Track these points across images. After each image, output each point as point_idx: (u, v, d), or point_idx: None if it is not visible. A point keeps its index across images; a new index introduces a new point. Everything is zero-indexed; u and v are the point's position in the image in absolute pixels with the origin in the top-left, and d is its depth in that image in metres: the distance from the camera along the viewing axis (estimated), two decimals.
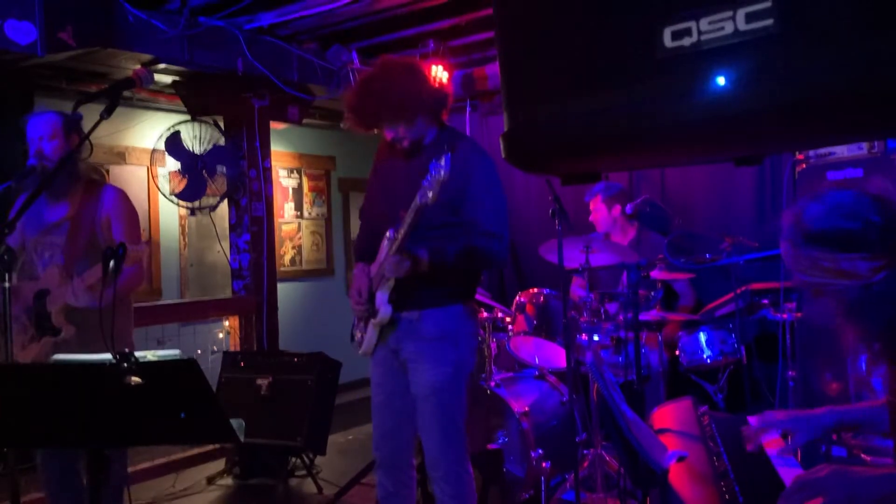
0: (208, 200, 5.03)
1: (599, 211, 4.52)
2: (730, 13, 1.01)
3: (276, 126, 5.41)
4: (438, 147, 2.66)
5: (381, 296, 2.75)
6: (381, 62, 2.76)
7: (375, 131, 2.79)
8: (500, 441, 3.70)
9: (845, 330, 1.56)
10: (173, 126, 4.98)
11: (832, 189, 1.55)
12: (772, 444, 1.93)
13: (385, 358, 2.85)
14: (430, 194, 2.40)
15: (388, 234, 2.73)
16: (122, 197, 3.07)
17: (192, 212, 5.17)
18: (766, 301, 3.90)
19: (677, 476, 1.76)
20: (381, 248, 2.78)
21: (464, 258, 2.68)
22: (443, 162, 2.38)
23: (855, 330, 1.54)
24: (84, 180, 3.06)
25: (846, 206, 1.49)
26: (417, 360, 2.75)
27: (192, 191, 4.94)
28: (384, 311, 2.74)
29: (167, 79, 4.79)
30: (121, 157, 5.84)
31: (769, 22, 0.99)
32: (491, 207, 2.72)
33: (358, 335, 2.91)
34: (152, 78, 2.60)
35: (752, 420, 1.96)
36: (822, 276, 1.49)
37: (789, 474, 1.78)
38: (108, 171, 5.72)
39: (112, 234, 3.00)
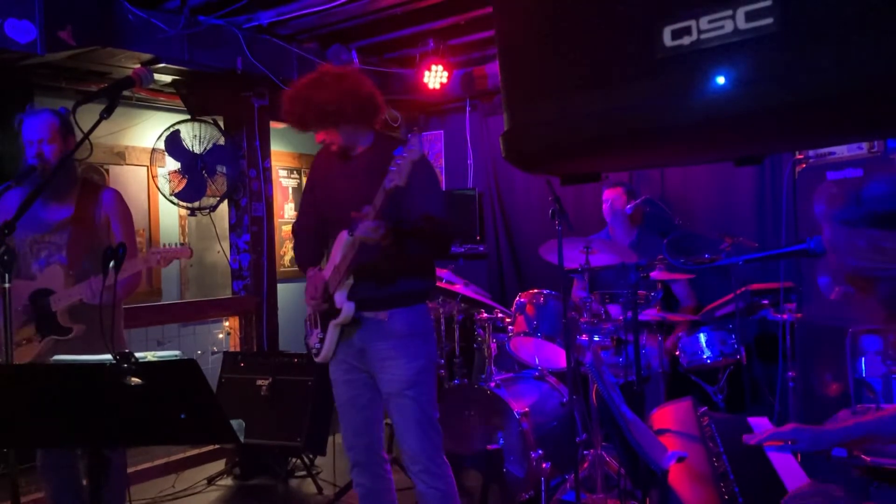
0: (208, 201, 5.03)
1: (619, 200, 4.52)
2: (730, 12, 1.01)
3: (275, 126, 5.41)
4: (380, 148, 2.77)
5: (341, 295, 2.78)
6: (318, 70, 2.84)
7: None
8: (500, 441, 3.70)
9: (890, 324, 1.51)
10: (173, 125, 4.97)
11: (889, 172, 1.51)
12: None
13: (347, 356, 2.88)
14: (401, 177, 2.46)
15: (342, 234, 2.76)
16: (121, 199, 3.13)
17: (192, 212, 5.17)
18: (766, 301, 3.90)
19: (677, 476, 1.76)
20: (333, 249, 2.82)
21: (424, 233, 2.71)
22: (413, 144, 2.46)
23: None
24: (80, 181, 3.09)
25: None
26: (389, 358, 2.78)
27: (191, 191, 4.94)
28: (346, 309, 2.76)
29: (167, 78, 4.79)
30: (120, 156, 5.84)
31: (769, 21, 0.98)
32: (438, 196, 2.83)
33: (315, 342, 2.91)
34: (152, 77, 2.60)
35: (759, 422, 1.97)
36: (877, 259, 1.43)
37: (786, 471, 1.78)
38: (107, 171, 5.73)
39: (111, 234, 3.05)
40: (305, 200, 3.08)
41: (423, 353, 2.81)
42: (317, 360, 2.92)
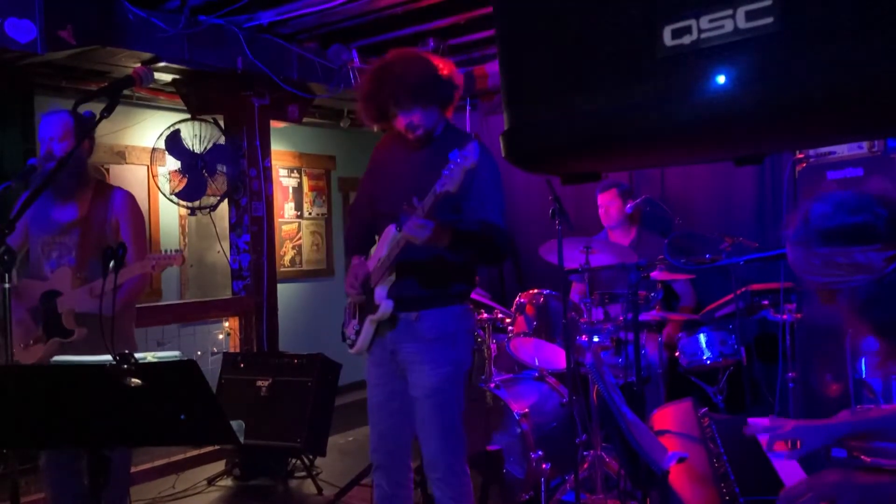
0: (208, 200, 5.03)
1: (614, 204, 4.51)
2: (730, 11, 1.01)
3: (276, 125, 5.41)
4: (447, 141, 2.64)
5: (381, 291, 2.72)
6: (394, 52, 2.74)
7: (376, 128, 2.76)
8: (500, 442, 3.69)
9: (859, 329, 1.55)
10: (173, 125, 4.97)
11: (831, 190, 1.56)
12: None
13: (383, 358, 2.83)
14: (453, 183, 2.34)
15: (389, 228, 2.71)
16: (132, 200, 3.12)
17: (192, 211, 5.16)
18: (766, 302, 3.89)
19: (677, 477, 1.76)
20: (380, 242, 2.77)
21: (480, 239, 2.64)
22: (469, 150, 2.33)
23: (870, 326, 1.53)
24: (93, 181, 3.08)
25: (851, 202, 1.50)
26: (416, 361, 2.74)
27: (192, 190, 4.94)
28: (385, 307, 2.70)
29: (167, 77, 4.79)
30: (120, 156, 5.84)
31: (769, 20, 0.98)
32: (497, 205, 2.72)
33: (351, 333, 2.86)
34: (152, 76, 2.60)
35: (759, 422, 1.96)
36: (835, 273, 1.48)
37: (787, 472, 1.77)
38: (107, 171, 5.72)
39: (120, 236, 3.05)
40: (362, 183, 3.02)
41: (450, 358, 2.73)
42: (351, 351, 2.87)
